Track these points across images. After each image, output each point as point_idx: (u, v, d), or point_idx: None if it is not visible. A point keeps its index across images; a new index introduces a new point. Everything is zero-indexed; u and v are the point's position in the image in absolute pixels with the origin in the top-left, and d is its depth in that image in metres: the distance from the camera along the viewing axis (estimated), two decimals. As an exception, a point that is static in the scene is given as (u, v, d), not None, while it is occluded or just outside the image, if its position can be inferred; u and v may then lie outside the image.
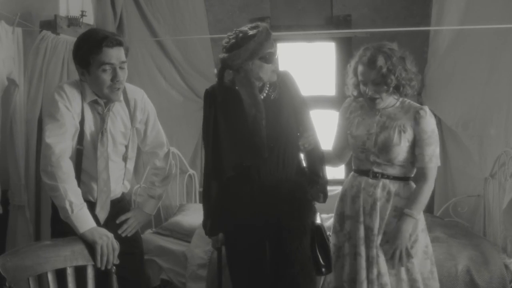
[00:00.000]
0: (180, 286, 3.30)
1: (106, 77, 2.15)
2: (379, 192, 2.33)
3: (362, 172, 2.41)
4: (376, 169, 2.36)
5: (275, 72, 2.30)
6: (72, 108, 2.19)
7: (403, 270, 2.31)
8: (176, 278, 3.31)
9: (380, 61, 2.27)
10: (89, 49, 2.13)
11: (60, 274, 1.87)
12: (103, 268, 2.01)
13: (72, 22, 3.37)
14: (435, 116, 3.99)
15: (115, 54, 2.15)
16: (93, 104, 2.25)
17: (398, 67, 2.28)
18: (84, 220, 2.07)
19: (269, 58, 2.24)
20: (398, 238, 2.28)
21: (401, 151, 2.31)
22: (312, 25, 4.35)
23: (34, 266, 1.79)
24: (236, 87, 2.29)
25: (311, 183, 2.37)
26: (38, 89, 3.19)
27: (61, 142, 2.13)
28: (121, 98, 2.30)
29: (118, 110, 2.32)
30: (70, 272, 1.88)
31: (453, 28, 3.74)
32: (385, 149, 2.31)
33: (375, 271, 2.29)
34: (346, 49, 4.33)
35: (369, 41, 2.45)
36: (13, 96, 3.13)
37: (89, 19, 3.51)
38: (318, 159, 2.40)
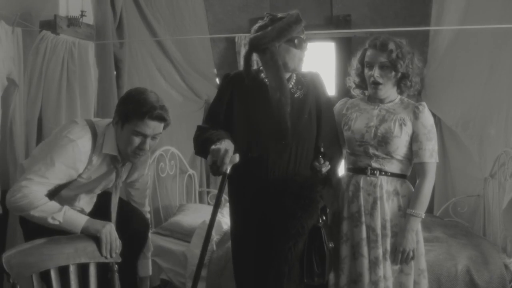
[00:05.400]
0: (180, 286, 3.30)
1: (136, 141, 2.22)
2: (378, 190, 2.30)
3: (359, 170, 2.36)
4: (374, 164, 2.32)
5: (302, 62, 2.25)
6: (80, 165, 2.22)
7: (410, 266, 2.29)
8: (176, 278, 3.32)
9: (392, 45, 2.29)
10: (133, 112, 2.18)
11: (63, 271, 1.89)
12: (108, 256, 2.04)
13: (72, 22, 3.37)
14: (435, 116, 4.08)
15: (153, 126, 2.21)
16: (111, 158, 2.30)
17: (407, 56, 2.30)
18: (75, 220, 2.12)
19: (298, 43, 2.19)
20: (406, 239, 2.25)
21: (400, 144, 2.28)
22: (312, 25, 4.34)
23: (38, 263, 1.82)
24: (262, 74, 2.27)
25: (325, 184, 2.26)
26: (38, 89, 3.18)
27: (40, 191, 2.14)
28: None
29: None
30: (72, 270, 1.91)
31: (453, 28, 3.74)
32: (384, 140, 2.28)
33: (378, 272, 2.26)
34: (346, 49, 4.34)
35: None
36: (13, 96, 3.13)
37: (89, 19, 3.51)
38: (335, 164, 2.36)
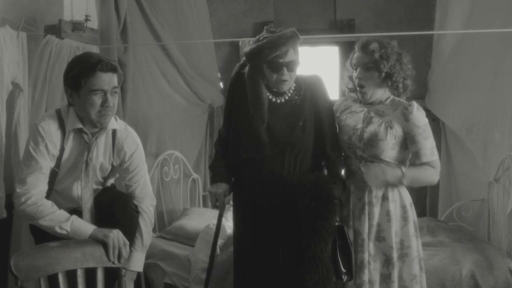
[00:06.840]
0: (183, 290, 3.30)
1: (97, 101, 2.14)
2: (367, 195, 2.29)
3: (350, 173, 2.35)
4: (364, 168, 2.29)
5: (285, 83, 2.22)
6: (51, 146, 2.19)
7: (394, 273, 2.25)
8: (179, 282, 3.31)
9: (374, 46, 2.27)
10: (82, 71, 2.11)
11: (70, 275, 1.89)
12: (116, 261, 2.02)
13: (77, 26, 3.38)
14: (439, 120, 4.08)
15: (108, 79, 2.13)
16: (78, 132, 2.24)
17: (392, 57, 2.26)
18: (82, 229, 2.12)
19: (272, 66, 2.18)
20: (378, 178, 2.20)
21: (386, 146, 2.25)
22: (316, 29, 4.36)
23: (46, 266, 1.82)
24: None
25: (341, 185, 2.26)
26: (42, 94, 3.19)
27: (38, 186, 2.16)
28: (109, 126, 2.27)
29: (102, 140, 2.31)
30: (80, 274, 1.91)
31: (457, 32, 3.74)
32: (370, 143, 2.26)
33: (363, 277, 2.25)
34: (350, 53, 4.33)
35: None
36: (18, 100, 3.13)
37: (93, 24, 3.52)
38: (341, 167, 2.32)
